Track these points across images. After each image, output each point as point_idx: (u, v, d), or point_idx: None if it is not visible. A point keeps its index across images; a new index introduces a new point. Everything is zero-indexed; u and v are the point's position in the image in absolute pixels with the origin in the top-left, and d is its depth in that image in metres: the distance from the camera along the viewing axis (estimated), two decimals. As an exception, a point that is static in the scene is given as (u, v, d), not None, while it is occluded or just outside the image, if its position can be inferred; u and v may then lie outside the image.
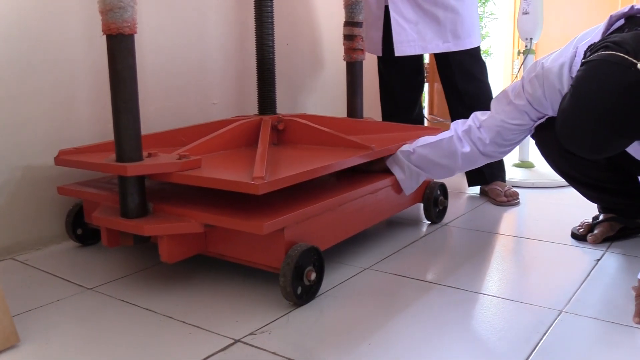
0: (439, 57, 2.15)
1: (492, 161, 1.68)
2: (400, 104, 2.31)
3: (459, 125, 1.63)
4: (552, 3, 3.69)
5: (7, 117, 1.57)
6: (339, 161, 1.43)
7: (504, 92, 1.57)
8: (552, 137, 1.56)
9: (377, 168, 1.67)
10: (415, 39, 2.07)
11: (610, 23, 1.33)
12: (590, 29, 1.39)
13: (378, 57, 2.30)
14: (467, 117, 1.67)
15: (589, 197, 1.70)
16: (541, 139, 1.63)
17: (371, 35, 2.20)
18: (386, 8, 2.12)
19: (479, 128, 1.58)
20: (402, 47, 2.09)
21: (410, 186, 1.69)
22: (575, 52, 1.35)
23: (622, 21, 1.32)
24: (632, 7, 1.30)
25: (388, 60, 2.22)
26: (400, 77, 2.27)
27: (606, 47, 1.19)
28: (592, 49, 1.24)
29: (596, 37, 1.29)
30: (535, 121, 1.54)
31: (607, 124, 1.17)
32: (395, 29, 2.09)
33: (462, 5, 2.09)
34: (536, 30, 2.46)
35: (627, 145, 1.24)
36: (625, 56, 1.13)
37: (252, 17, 1.83)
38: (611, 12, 1.34)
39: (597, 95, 1.17)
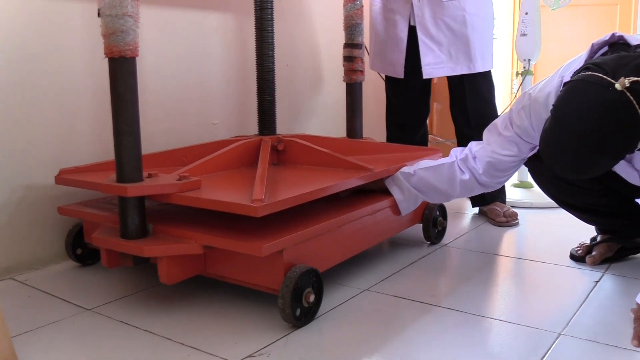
0: (452, 77, 2.13)
1: (489, 190, 1.68)
2: (407, 126, 2.29)
3: (458, 153, 1.64)
4: (550, 24, 3.72)
5: (8, 136, 1.58)
6: (338, 183, 1.44)
7: (494, 124, 1.59)
8: (544, 166, 1.57)
9: (376, 187, 1.68)
10: (443, 61, 2.05)
11: (593, 51, 1.35)
12: (574, 58, 1.40)
13: (387, 80, 2.27)
14: (471, 136, 1.69)
15: (585, 220, 1.71)
16: (534, 168, 1.64)
17: (391, 58, 2.15)
18: (410, 30, 2.09)
19: (473, 158, 1.60)
20: (430, 69, 2.07)
21: (407, 207, 1.70)
22: (561, 81, 1.36)
23: (605, 49, 1.34)
24: (613, 34, 1.32)
25: (399, 82, 2.19)
26: (409, 98, 2.24)
27: (587, 69, 1.20)
28: (574, 75, 1.26)
29: (579, 65, 1.30)
30: (527, 153, 1.55)
31: (587, 143, 1.17)
32: (423, 51, 2.06)
33: (487, 25, 2.09)
34: (534, 52, 2.48)
35: (612, 165, 1.24)
36: (604, 76, 1.15)
37: (252, 38, 1.85)
38: (609, 31, 1.36)
39: (576, 115, 1.17)
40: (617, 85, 1.12)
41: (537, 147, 1.52)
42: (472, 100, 2.12)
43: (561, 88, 1.31)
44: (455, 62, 2.06)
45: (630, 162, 1.38)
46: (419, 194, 1.68)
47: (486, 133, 1.60)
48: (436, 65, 2.06)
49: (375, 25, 2.20)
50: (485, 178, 1.59)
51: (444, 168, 1.63)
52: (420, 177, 1.65)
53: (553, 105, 1.25)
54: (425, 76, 2.08)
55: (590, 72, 1.18)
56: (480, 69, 2.08)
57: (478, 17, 2.06)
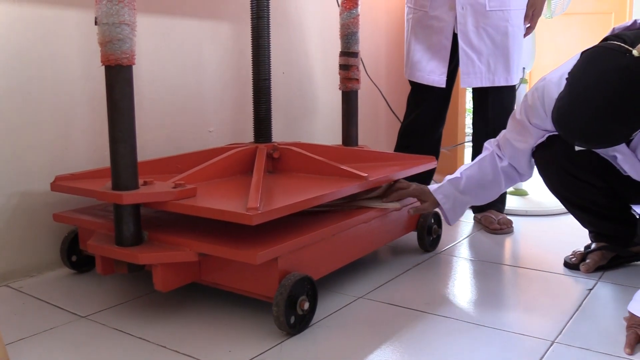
0: (478, 87, 2.12)
1: (525, 179, 1.73)
2: (420, 134, 2.25)
3: (491, 144, 1.71)
4: (545, 32, 3.74)
5: (4, 142, 1.59)
6: (333, 191, 1.44)
7: (514, 111, 1.65)
8: (551, 155, 1.59)
9: (428, 208, 1.73)
10: (482, 71, 2.04)
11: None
12: None
13: (414, 87, 2.23)
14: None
15: (582, 220, 1.71)
16: (540, 157, 1.64)
17: (432, 66, 2.11)
18: (454, 37, 2.07)
19: (499, 148, 1.68)
20: (469, 79, 2.05)
21: (454, 217, 1.74)
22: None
23: None
24: (635, 21, 1.33)
25: (426, 89, 2.16)
26: (430, 106, 2.21)
27: (605, 39, 1.23)
28: None
29: None
30: (536, 140, 1.59)
31: (600, 107, 1.18)
32: (463, 59, 2.04)
33: (522, 37, 2.09)
34: (529, 60, 2.49)
35: (623, 136, 1.23)
36: (622, 44, 1.16)
37: (249, 45, 1.85)
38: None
39: (591, 79, 1.19)
40: (635, 52, 1.13)
41: (546, 135, 1.56)
42: (493, 111, 2.12)
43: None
44: (494, 74, 2.05)
45: (634, 151, 1.41)
46: (467, 200, 1.72)
47: (509, 120, 1.66)
48: (474, 75, 2.05)
49: (415, 33, 2.16)
50: (515, 165, 1.66)
51: (485, 160, 1.69)
52: (467, 176, 1.69)
53: (569, 73, 1.26)
54: (462, 85, 2.08)
55: (608, 42, 1.20)
56: (515, 81, 2.09)
57: (518, 29, 2.07)
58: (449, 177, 1.72)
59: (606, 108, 1.17)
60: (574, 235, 1.92)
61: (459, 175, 1.70)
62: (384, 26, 2.97)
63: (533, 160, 1.66)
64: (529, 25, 2.14)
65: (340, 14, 2.12)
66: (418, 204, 1.75)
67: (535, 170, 1.71)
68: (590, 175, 1.59)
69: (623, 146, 1.42)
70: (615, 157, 1.47)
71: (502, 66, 2.05)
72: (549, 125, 1.49)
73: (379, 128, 3.00)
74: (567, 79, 1.26)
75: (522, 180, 1.73)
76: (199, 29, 2.06)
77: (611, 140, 1.25)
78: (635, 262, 1.71)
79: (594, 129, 1.21)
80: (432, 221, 1.86)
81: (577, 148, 1.45)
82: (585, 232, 1.74)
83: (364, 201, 1.65)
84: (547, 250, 1.89)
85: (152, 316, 1.37)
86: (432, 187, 1.73)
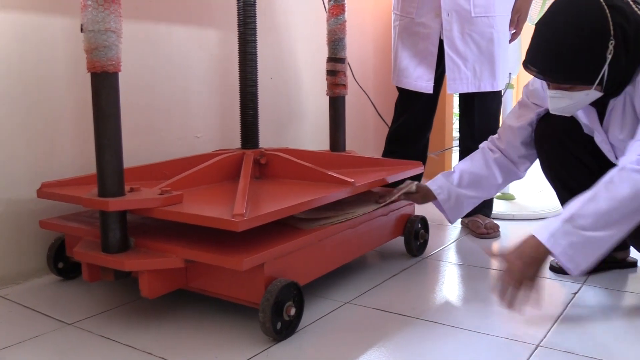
0: (464, 93, 2.14)
1: (520, 175, 1.75)
2: (407, 139, 2.27)
3: (484, 143, 1.77)
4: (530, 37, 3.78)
5: (-10, 151, 1.58)
6: (319, 197, 1.45)
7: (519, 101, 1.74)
8: (549, 128, 1.64)
9: (418, 199, 1.75)
10: (468, 77, 2.06)
11: None
12: None
13: (401, 93, 2.24)
14: (474, 148, 1.81)
15: None
16: (539, 131, 1.67)
17: (419, 72, 2.12)
18: (440, 44, 2.08)
19: (498, 138, 1.73)
20: (455, 85, 2.07)
21: (452, 209, 1.74)
22: None
23: None
24: None
25: (413, 95, 2.17)
26: (418, 112, 2.22)
27: None
28: None
29: None
30: (535, 118, 1.66)
31: (557, 34, 1.31)
32: (449, 65, 2.06)
33: (507, 42, 2.12)
34: (515, 65, 2.51)
35: (581, 73, 1.33)
36: None
37: (236, 51, 1.86)
38: None
39: (555, 13, 1.34)
40: None
41: (546, 110, 1.62)
42: (480, 116, 2.14)
43: None
44: (480, 80, 2.07)
45: (607, 132, 1.47)
46: (464, 193, 1.73)
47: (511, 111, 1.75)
48: (460, 81, 2.07)
49: (402, 40, 2.17)
50: (510, 153, 1.70)
51: (477, 154, 1.76)
52: (460, 170, 1.74)
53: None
54: (449, 91, 2.09)
55: None
56: (501, 86, 2.12)
57: (504, 35, 2.09)
58: (443, 172, 1.77)
59: (561, 34, 1.31)
60: (560, 239, 1.93)
61: (452, 170, 1.75)
62: (371, 32, 2.99)
63: (528, 148, 1.70)
64: (514, 31, 2.16)
65: (327, 20, 2.12)
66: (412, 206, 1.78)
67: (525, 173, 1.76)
68: (584, 154, 1.61)
69: (598, 124, 1.48)
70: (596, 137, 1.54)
71: (488, 72, 2.08)
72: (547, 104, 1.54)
73: (366, 133, 3.01)
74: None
75: (519, 174, 1.74)
76: (185, 35, 2.06)
77: (566, 74, 1.34)
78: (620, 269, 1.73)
79: (548, 52, 1.33)
80: (419, 226, 1.87)
81: (550, 109, 1.47)
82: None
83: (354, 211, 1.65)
84: (533, 254, 1.90)
85: (139, 323, 1.37)
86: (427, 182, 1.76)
